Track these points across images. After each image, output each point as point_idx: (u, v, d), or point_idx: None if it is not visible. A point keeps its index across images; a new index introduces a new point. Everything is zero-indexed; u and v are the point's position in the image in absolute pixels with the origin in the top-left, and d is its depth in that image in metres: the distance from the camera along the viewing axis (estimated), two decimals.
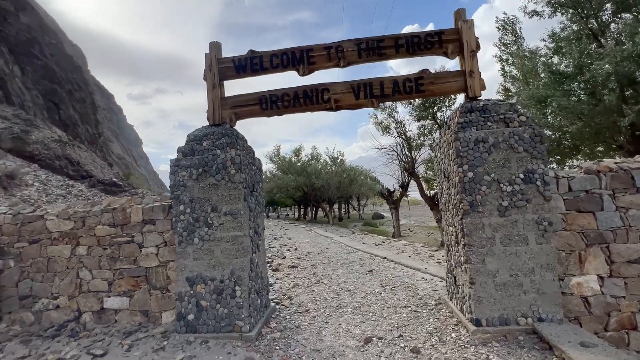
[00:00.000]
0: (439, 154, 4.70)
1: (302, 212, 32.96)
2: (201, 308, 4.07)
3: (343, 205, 32.61)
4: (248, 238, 4.23)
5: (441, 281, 5.89)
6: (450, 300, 4.56)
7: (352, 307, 4.93)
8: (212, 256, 4.11)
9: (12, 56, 36.20)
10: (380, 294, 5.47)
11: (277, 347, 3.74)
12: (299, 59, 4.36)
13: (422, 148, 14.23)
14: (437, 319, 4.27)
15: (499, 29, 11.62)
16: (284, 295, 5.71)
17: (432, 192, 14.14)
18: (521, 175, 3.74)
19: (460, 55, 4.11)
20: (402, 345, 3.62)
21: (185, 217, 4.21)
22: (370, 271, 7.13)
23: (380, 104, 4.30)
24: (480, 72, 4.05)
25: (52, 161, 17.79)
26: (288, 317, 4.70)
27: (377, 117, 14.71)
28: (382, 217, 29.09)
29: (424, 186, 13.82)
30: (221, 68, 4.47)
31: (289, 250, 10.74)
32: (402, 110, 15.38)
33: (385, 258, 8.42)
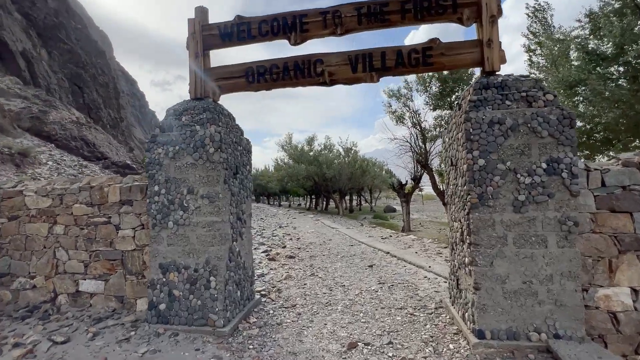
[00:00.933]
0: (447, 139, 4.09)
1: (313, 202, 32.64)
2: (174, 298, 3.71)
3: (355, 197, 32.04)
4: (228, 225, 3.81)
5: (445, 282, 5.33)
6: (452, 305, 4.02)
7: (343, 305, 4.47)
8: (187, 242, 3.73)
9: (40, 39, 37.19)
10: (377, 292, 4.98)
11: (251, 347, 3.34)
12: (291, 25, 3.83)
13: (438, 140, 13.46)
14: (435, 325, 3.75)
15: (529, 16, 10.57)
16: (273, 287, 5.32)
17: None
18: (543, 165, 3.12)
19: (478, 21, 3.46)
20: (391, 354, 3.13)
21: (160, 198, 3.83)
22: (370, 266, 6.63)
23: (381, 78, 3.72)
24: (500, 43, 3.40)
25: (68, 141, 18.06)
26: (272, 312, 4.30)
27: (391, 106, 13.98)
28: (394, 210, 28.34)
29: (437, 180, 13.08)
30: (205, 36, 4.00)
31: (291, 239, 10.36)
32: (418, 99, 14.45)
33: (388, 253, 7.89)
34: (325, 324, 3.87)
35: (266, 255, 7.72)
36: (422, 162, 12.92)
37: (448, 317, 3.94)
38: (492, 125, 3.20)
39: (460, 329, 3.51)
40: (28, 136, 16.07)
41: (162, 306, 3.73)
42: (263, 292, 5.03)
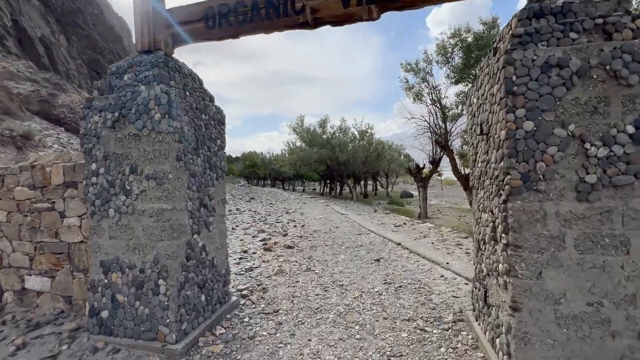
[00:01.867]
0: (475, 99, 3.00)
1: (327, 187, 31.77)
2: (117, 304, 2.94)
3: (370, 182, 30.87)
4: (183, 213, 2.96)
5: (466, 283, 4.33)
6: (476, 321, 3.05)
7: (337, 312, 3.59)
8: (132, 235, 2.91)
9: (58, 25, 37.38)
10: (380, 295, 4.06)
11: None
12: None
13: (459, 119, 12.09)
14: (454, 348, 2.81)
15: None
16: (258, 284, 4.50)
17: (468, 170, 12.08)
18: (629, 129, 2.02)
19: None
20: None
21: (99, 179, 3.01)
22: (377, 260, 5.70)
23: (385, 13, 2.66)
24: None
25: (77, 125, 17.85)
26: (248, 319, 3.48)
27: (408, 82, 12.63)
28: (411, 195, 27.04)
29: (458, 162, 11.78)
30: None
31: (295, 226, 9.55)
32: (438, 73, 13.06)
33: (399, 244, 6.90)
34: (310, 340, 3.01)
35: (262, 245, 6.94)
36: (442, 143, 11.64)
37: (470, 337, 2.97)
38: (547, 69, 2.11)
39: (487, 357, 2.55)
40: (37, 119, 15.92)
41: (105, 313, 2.97)
42: (245, 292, 4.22)
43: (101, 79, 3.15)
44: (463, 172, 11.61)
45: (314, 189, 40.46)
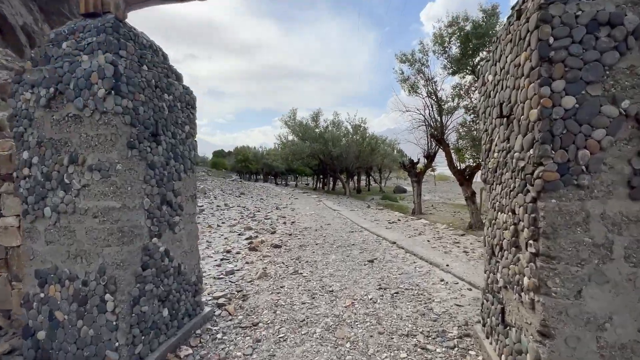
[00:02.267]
0: (490, 76, 2.50)
1: (320, 182, 31.28)
2: (56, 323, 2.41)
3: (363, 177, 30.50)
4: (139, 213, 2.42)
5: (469, 290, 3.89)
6: (487, 339, 2.59)
7: (324, 325, 3.11)
8: (73, 239, 2.37)
9: (41, 14, 35.72)
10: (375, 303, 3.59)
11: None
12: None
13: (455, 113, 11.68)
14: None
15: None
16: (238, 291, 4.00)
17: (463, 164, 11.73)
18: None
19: None
20: None
21: (32, 171, 2.45)
22: (371, 261, 5.24)
23: None
24: None
25: None
26: (221, 335, 2.98)
27: (402, 73, 12.14)
28: (404, 191, 26.74)
29: (454, 157, 11.39)
30: None
31: (284, 223, 9.05)
32: (435, 64, 12.48)
33: (394, 243, 6.46)
34: None
35: (248, 244, 6.42)
36: (438, 136, 11.21)
37: (481, 358, 2.52)
38: (594, 28, 1.62)
39: None
40: None
41: (42, 334, 2.44)
42: (222, 300, 3.71)
43: (35, 47, 2.56)
44: (459, 167, 11.23)
45: (307, 184, 39.96)
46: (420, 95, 12.22)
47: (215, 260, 5.27)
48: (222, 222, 8.95)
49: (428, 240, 7.39)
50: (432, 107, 11.55)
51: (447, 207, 16.03)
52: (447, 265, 4.68)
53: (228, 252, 5.85)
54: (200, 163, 64.99)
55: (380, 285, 4.14)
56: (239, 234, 7.42)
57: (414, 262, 5.18)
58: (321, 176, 30.54)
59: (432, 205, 16.38)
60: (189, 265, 3.12)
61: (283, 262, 5.23)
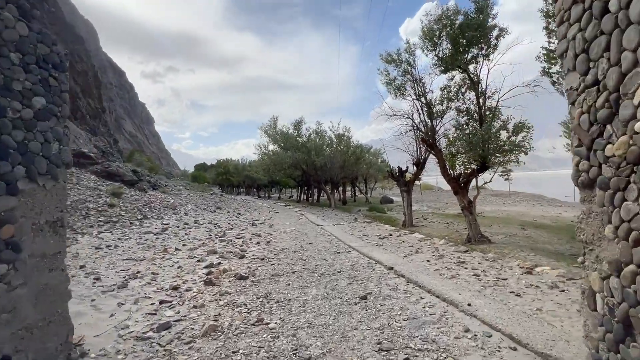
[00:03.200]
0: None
1: (304, 194, 29.87)
2: None
3: (349, 188, 29.35)
4: None
5: (514, 349, 2.61)
6: None
7: None
8: None
9: None
10: None
11: None
12: None
13: (445, 115, 10.74)
14: None
15: None
16: None
17: (456, 171, 10.71)
18: None
19: None
20: None
21: None
22: (364, 298, 3.90)
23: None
24: None
25: None
26: None
27: (388, 74, 11.16)
28: (391, 201, 25.70)
29: (447, 164, 10.35)
30: None
31: (258, 243, 7.60)
32: (423, 60, 11.34)
33: (391, 269, 5.14)
34: None
35: (206, 275, 4.97)
36: (429, 141, 10.16)
37: None
38: None
39: None
40: None
41: None
42: None
43: None
44: (452, 174, 10.19)
45: (291, 196, 38.43)
46: (408, 98, 11.24)
47: (152, 304, 3.81)
48: (184, 245, 7.43)
49: (428, 260, 6.15)
50: (421, 109, 10.54)
51: (437, 218, 14.97)
52: (469, 305, 3.39)
53: (175, 289, 4.38)
54: (181, 177, 62.37)
55: (380, 342, 2.80)
56: (199, 260, 5.95)
57: (421, 298, 3.87)
58: (305, 188, 29.18)
59: (422, 216, 15.29)
60: (34, 347, 1.69)
61: (245, 304, 3.81)
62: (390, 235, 9.16)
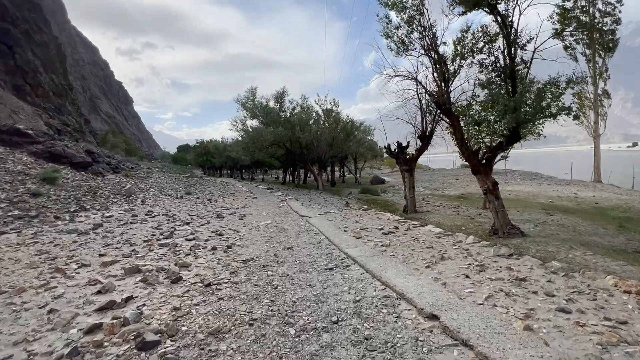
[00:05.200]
0: None
1: (289, 176, 27.32)
2: None
3: (337, 168, 26.93)
4: None
5: None
6: None
7: None
8: None
9: None
10: None
11: None
12: None
13: (461, 74, 8.32)
14: None
15: None
16: None
17: (475, 145, 8.43)
18: None
19: None
20: None
21: None
22: None
23: None
24: None
25: None
26: None
27: (389, 22, 8.50)
28: (382, 181, 23.53)
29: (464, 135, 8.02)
30: None
31: (213, 249, 5.14)
32: (434, 4, 8.58)
33: (434, 319, 2.77)
34: None
35: (83, 335, 2.50)
36: (444, 105, 7.71)
37: None
38: None
39: None
40: None
41: None
42: None
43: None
44: (470, 147, 7.91)
45: (276, 178, 35.74)
46: (414, 53, 8.67)
47: None
48: (101, 255, 4.90)
49: (467, 276, 3.92)
50: (435, 65, 7.99)
51: (440, 201, 12.84)
52: None
53: None
54: (161, 159, 58.35)
55: None
56: (97, 292, 3.46)
57: None
58: (290, 168, 26.58)
59: (423, 199, 13.14)
60: None
61: None
62: (396, 228, 6.87)
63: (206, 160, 36.52)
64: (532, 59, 6.85)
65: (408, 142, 11.15)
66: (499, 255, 4.89)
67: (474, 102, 7.69)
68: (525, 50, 6.97)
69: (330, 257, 4.57)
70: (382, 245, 5.53)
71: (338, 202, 12.16)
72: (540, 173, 24.77)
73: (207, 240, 5.73)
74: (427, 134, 10.11)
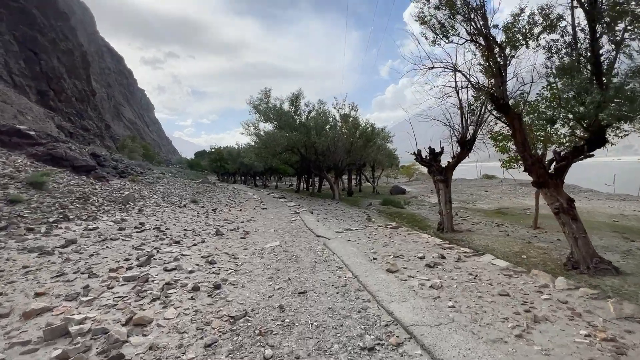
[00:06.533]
0: None
1: (303, 183, 25.80)
2: None
3: (354, 176, 25.20)
4: None
5: None
6: None
7: None
8: None
9: None
10: None
11: None
12: None
13: (518, 61, 6.67)
14: None
15: None
16: None
17: (540, 151, 6.66)
18: None
19: None
20: None
21: None
22: None
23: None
24: None
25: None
26: None
27: (427, 1, 6.93)
28: (403, 192, 21.60)
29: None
30: None
31: (192, 292, 3.55)
32: None
33: None
34: None
35: None
36: (501, 99, 5.98)
37: None
38: None
39: None
40: None
41: None
42: None
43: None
44: (537, 151, 6.15)
45: (290, 185, 34.31)
46: (456, 40, 7.06)
47: None
48: (38, 294, 3.42)
49: None
50: (484, 52, 6.31)
51: (477, 216, 10.92)
52: None
53: None
54: (177, 164, 58.31)
55: None
56: None
57: None
58: (304, 176, 25.08)
59: (456, 213, 11.25)
60: None
61: None
62: (443, 258, 5.12)
63: (220, 166, 35.57)
64: (622, 38, 5.07)
65: (442, 148, 9.38)
66: (626, 318, 3.09)
67: (547, 93, 5.90)
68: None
69: (366, 318, 2.89)
70: (430, 287, 3.83)
71: (358, 216, 10.45)
72: (577, 185, 22.17)
73: (190, 272, 4.17)
74: (469, 137, 8.34)
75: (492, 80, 6.68)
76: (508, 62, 6.21)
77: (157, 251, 5.21)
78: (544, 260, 5.71)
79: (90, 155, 14.88)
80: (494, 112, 6.99)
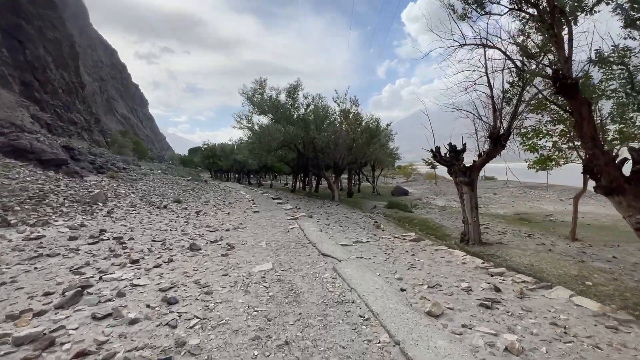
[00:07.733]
0: None
1: (300, 182, 24.23)
2: None
3: (354, 175, 23.70)
4: None
5: None
6: None
7: None
8: None
9: None
10: None
11: None
12: None
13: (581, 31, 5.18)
14: None
15: None
16: None
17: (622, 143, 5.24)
18: None
19: None
20: None
21: None
22: None
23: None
24: None
25: None
26: None
27: None
28: (405, 193, 20.19)
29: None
30: None
31: None
32: None
33: None
34: None
35: None
36: (565, 79, 4.49)
37: None
38: None
39: None
40: None
41: None
42: None
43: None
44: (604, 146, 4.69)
45: (285, 184, 32.65)
46: (496, 9, 5.67)
47: None
48: None
49: None
50: (544, 16, 4.86)
51: (499, 224, 9.51)
52: None
53: None
54: (169, 160, 56.20)
55: None
56: None
57: None
58: (301, 175, 23.50)
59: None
60: None
61: None
62: (498, 292, 3.66)
63: (212, 163, 33.80)
64: None
65: (464, 145, 7.92)
66: None
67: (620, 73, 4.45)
68: None
69: None
70: (506, 350, 2.38)
71: (364, 222, 8.96)
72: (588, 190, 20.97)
73: (131, 325, 2.63)
74: (503, 132, 6.89)
75: (549, 57, 5.24)
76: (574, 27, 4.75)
77: (100, 278, 3.65)
78: (620, 291, 4.31)
79: (63, 148, 13.16)
80: (550, 98, 5.54)
